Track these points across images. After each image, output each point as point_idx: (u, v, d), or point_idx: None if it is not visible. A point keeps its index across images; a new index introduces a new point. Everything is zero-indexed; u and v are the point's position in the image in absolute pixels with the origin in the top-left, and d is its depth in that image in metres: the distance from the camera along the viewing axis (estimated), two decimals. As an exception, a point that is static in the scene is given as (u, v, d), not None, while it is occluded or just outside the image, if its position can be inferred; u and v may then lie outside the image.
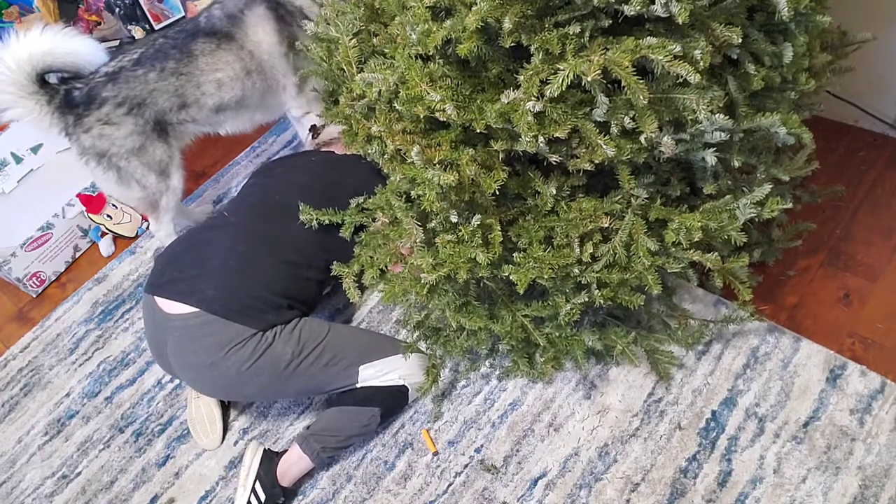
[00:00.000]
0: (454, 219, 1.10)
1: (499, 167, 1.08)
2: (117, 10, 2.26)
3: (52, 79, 1.56)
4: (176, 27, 1.71)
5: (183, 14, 2.35)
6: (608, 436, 1.41)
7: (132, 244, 2.07)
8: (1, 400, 1.75)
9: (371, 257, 1.33)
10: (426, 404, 1.52)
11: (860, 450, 1.31)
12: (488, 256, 1.09)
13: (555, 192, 1.16)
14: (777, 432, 1.35)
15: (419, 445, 1.47)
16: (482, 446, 1.44)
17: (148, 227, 2.10)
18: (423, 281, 1.17)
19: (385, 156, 1.20)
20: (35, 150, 2.20)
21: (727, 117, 0.98)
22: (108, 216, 2.05)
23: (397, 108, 1.09)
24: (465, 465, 1.42)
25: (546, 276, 1.12)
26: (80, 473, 1.57)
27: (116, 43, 2.25)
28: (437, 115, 1.03)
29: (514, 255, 1.16)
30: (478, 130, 1.03)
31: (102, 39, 2.27)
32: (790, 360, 1.44)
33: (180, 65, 1.63)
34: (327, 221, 1.42)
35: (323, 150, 1.75)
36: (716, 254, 1.15)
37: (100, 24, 2.30)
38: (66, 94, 1.56)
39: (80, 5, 2.30)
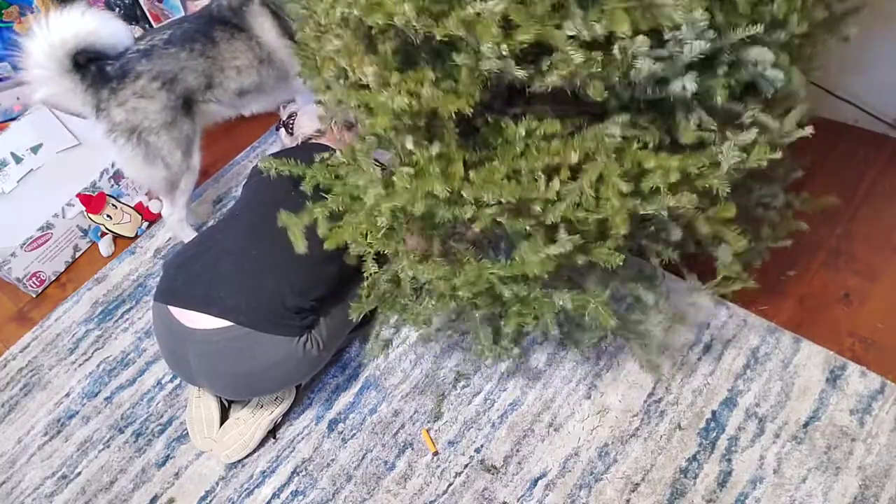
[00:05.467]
0: (409, 145, 1.05)
1: (465, 93, 1.02)
2: (117, 9, 2.26)
3: (80, 58, 1.60)
4: (196, 13, 1.80)
5: (183, 14, 2.35)
6: (608, 436, 1.41)
7: (132, 244, 2.07)
8: (1, 400, 1.75)
9: (328, 205, 1.27)
10: (426, 404, 1.52)
11: (860, 450, 1.31)
12: (446, 188, 1.03)
13: (524, 133, 1.10)
14: (777, 432, 1.35)
15: (419, 445, 1.47)
16: (482, 446, 1.44)
17: (148, 227, 2.11)
18: (378, 223, 1.13)
19: (346, 84, 1.13)
20: (35, 150, 2.20)
21: (705, 12, 0.90)
22: (108, 216, 2.05)
23: (355, 13, 1.01)
24: (465, 465, 1.42)
25: (505, 200, 1.05)
26: (79, 473, 1.57)
27: (116, 43, 2.25)
28: (396, 20, 0.96)
29: (470, 173, 1.08)
30: (438, 38, 0.97)
31: (102, 39, 2.27)
32: (790, 361, 1.44)
33: (206, 48, 1.71)
34: (287, 173, 1.35)
35: (312, 142, 1.75)
36: (694, 196, 1.06)
37: (100, 23, 2.30)
38: (98, 70, 1.61)
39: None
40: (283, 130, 1.91)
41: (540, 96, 1.13)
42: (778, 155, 1.03)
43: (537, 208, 1.07)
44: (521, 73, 0.98)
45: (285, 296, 1.39)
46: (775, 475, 1.30)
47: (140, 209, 2.11)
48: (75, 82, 1.57)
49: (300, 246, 1.24)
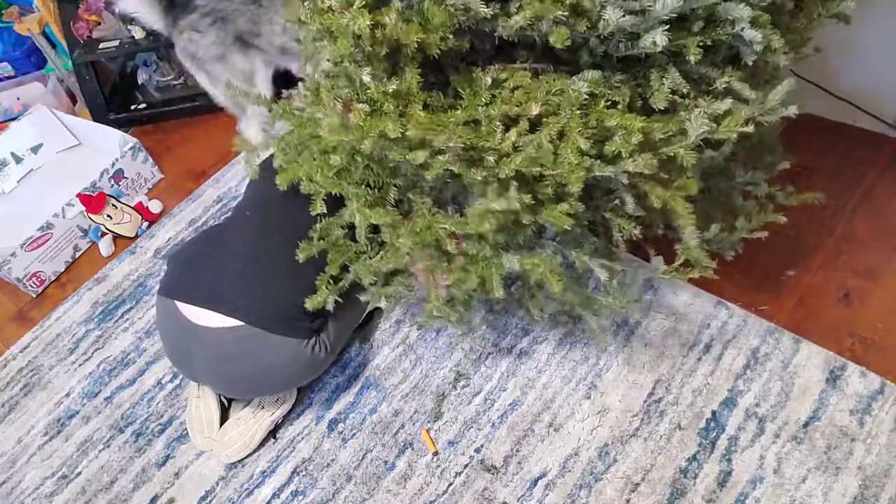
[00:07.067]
0: (366, 78, 1.02)
1: (434, 31, 0.99)
2: (117, 10, 2.25)
3: None
4: None
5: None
6: (608, 436, 1.41)
7: (132, 244, 2.07)
8: (1, 400, 1.75)
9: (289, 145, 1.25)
10: (426, 404, 1.52)
11: (860, 450, 1.31)
12: (398, 128, 0.99)
13: (491, 82, 1.07)
14: (777, 432, 1.35)
15: (419, 445, 1.47)
16: (482, 446, 1.44)
17: (148, 227, 2.10)
18: (331, 161, 1.12)
19: (311, 8, 1.10)
20: (35, 150, 2.20)
21: None
22: (108, 216, 2.05)
23: None
24: (465, 465, 1.42)
25: (454, 145, 1.00)
26: (80, 473, 1.57)
27: (116, 43, 2.25)
28: None
29: (421, 114, 1.05)
30: None
31: (102, 39, 2.28)
32: (790, 361, 1.44)
33: None
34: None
35: None
36: (654, 160, 1.00)
37: (100, 24, 2.30)
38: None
39: (80, 5, 2.29)
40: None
41: (522, 51, 1.11)
42: (750, 129, 0.98)
43: (491, 159, 1.03)
44: (485, 11, 0.96)
45: (299, 298, 1.35)
46: (775, 475, 1.30)
47: (140, 209, 2.11)
48: (154, 3, 1.71)
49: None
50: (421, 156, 1.03)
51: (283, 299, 1.38)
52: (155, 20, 1.75)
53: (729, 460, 1.34)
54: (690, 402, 1.42)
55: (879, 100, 1.76)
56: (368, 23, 0.95)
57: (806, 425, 1.35)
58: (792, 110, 1.03)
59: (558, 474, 1.38)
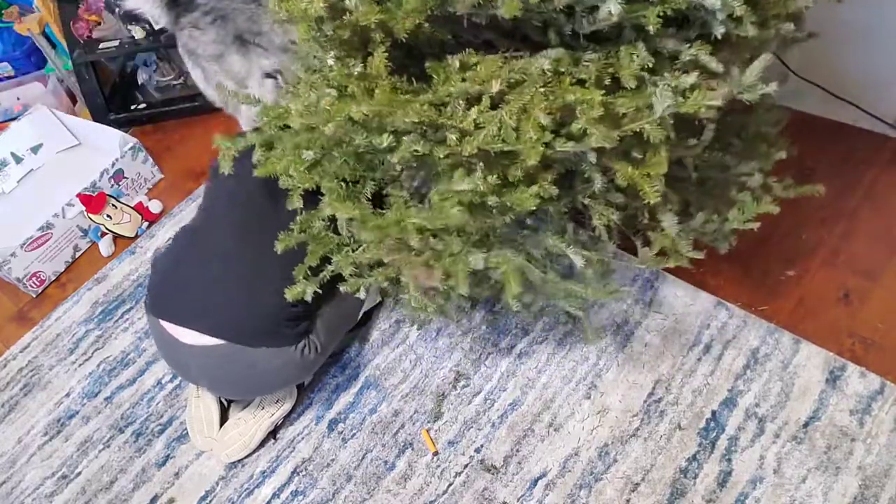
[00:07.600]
0: (330, 62, 1.03)
1: (405, 20, 0.98)
2: (117, 10, 2.26)
3: None
4: None
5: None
6: (608, 436, 1.41)
7: (132, 244, 2.07)
8: (1, 400, 1.75)
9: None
10: (426, 404, 1.52)
11: (860, 450, 1.31)
12: (361, 111, 0.98)
13: (458, 65, 1.06)
14: (777, 432, 1.35)
15: (419, 445, 1.47)
16: (482, 446, 1.44)
17: (148, 227, 2.10)
18: (303, 157, 1.12)
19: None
20: (35, 150, 2.20)
21: None
22: (108, 216, 2.05)
23: None
24: (465, 465, 1.42)
25: (409, 120, 1.00)
26: (79, 473, 1.57)
27: (116, 43, 2.25)
28: None
29: (375, 91, 1.04)
30: None
31: (102, 39, 2.28)
32: (790, 361, 1.44)
33: None
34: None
35: None
36: (615, 133, 0.99)
37: (100, 23, 2.30)
38: None
39: (80, 5, 2.29)
40: None
41: (503, 41, 1.10)
42: (718, 102, 0.96)
43: (453, 138, 1.02)
44: None
45: (280, 303, 1.31)
46: (775, 475, 1.30)
47: (140, 209, 2.11)
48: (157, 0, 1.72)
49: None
50: (385, 139, 1.04)
51: (266, 306, 1.35)
52: (158, 16, 1.76)
53: (729, 460, 1.34)
54: (690, 402, 1.42)
55: (880, 100, 1.76)
56: (323, 4, 0.96)
57: (806, 425, 1.35)
58: (772, 87, 1.00)
59: (558, 474, 1.38)
